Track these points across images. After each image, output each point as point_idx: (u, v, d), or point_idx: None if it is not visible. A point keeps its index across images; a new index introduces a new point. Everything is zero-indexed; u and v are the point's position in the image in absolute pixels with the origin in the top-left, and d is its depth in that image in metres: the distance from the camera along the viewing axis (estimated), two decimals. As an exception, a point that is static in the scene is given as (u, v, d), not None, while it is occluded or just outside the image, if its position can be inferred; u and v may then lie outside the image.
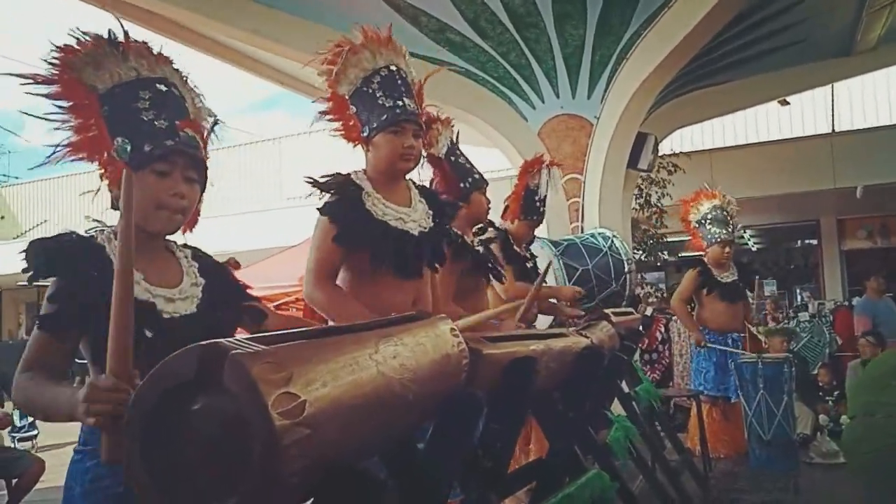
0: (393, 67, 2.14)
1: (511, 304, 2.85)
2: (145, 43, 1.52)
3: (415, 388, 1.01)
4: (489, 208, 3.11)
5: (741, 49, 7.03)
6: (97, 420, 1.09)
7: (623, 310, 3.67)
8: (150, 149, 1.41)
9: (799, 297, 12.28)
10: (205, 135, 1.56)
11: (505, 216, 3.70)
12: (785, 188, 10.10)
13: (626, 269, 4.58)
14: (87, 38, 1.45)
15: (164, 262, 1.52)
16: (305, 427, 0.78)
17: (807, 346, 7.68)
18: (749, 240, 13.87)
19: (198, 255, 1.61)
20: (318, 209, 2.09)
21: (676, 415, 6.12)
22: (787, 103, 10.52)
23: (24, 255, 1.36)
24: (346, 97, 2.15)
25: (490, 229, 3.44)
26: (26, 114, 1.49)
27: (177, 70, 1.55)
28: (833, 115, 11.09)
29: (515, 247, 3.60)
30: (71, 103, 1.44)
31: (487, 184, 3.02)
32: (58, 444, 6.78)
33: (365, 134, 2.14)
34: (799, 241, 13.98)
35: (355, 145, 2.20)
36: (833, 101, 11.01)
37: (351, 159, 2.25)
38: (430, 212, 2.21)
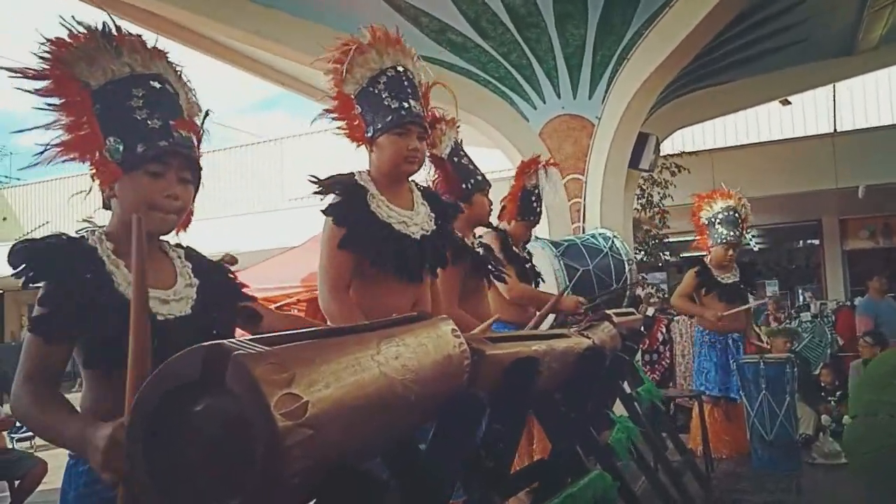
0: (400, 68, 2.12)
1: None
2: (139, 37, 1.48)
3: (417, 389, 1.01)
4: (491, 210, 3.11)
5: (742, 49, 7.02)
6: (116, 476, 1.08)
7: (624, 310, 3.66)
8: (144, 150, 1.38)
9: (801, 298, 12.23)
10: (199, 133, 1.52)
11: (502, 216, 3.71)
12: (787, 188, 10.08)
13: (626, 270, 4.58)
14: (80, 30, 1.41)
15: (158, 264, 1.49)
16: (308, 428, 0.78)
17: (809, 346, 7.66)
18: (751, 240, 13.84)
19: (191, 254, 1.58)
20: (322, 210, 2.08)
21: (678, 415, 6.11)
22: (789, 103, 10.49)
23: (8, 258, 1.31)
24: (352, 96, 2.14)
25: (488, 230, 3.44)
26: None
27: (171, 64, 1.51)
28: (835, 115, 11.05)
29: (514, 247, 3.60)
30: (63, 100, 1.40)
31: (490, 185, 3.01)
32: (57, 444, 6.77)
33: (369, 134, 2.13)
34: (801, 242, 13.94)
35: (359, 145, 2.19)
36: (835, 100, 10.98)
37: (353, 160, 2.24)
38: (433, 214, 2.21)
